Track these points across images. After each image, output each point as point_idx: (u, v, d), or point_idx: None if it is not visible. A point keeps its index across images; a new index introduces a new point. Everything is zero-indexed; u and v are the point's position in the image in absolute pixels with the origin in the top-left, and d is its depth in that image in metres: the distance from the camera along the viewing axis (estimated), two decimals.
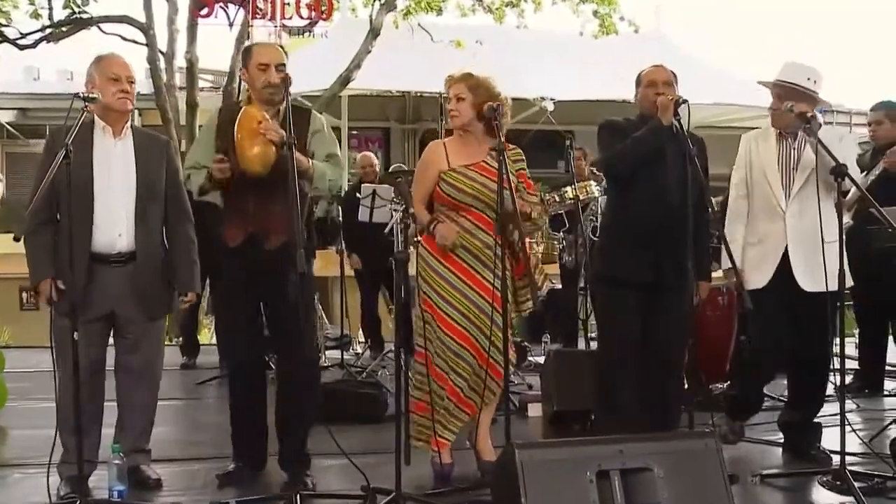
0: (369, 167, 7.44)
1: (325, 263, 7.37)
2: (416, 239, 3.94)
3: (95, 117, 3.59)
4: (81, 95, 3.44)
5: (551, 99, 12.49)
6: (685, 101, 3.67)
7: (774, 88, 4.08)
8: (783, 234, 3.99)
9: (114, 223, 3.61)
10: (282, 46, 4.03)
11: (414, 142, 16.89)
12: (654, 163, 3.77)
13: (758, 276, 4.00)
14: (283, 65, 3.66)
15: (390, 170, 7.00)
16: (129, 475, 3.58)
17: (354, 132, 15.91)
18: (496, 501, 3.01)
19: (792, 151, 4.07)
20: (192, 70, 10.34)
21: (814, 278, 3.88)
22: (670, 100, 3.69)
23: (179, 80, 11.56)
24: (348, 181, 8.69)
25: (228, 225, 3.74)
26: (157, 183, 3.74)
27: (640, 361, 3.85)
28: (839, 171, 3.57)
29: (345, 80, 11.16)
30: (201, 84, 12.26)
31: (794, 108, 3.79)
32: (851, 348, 5.43)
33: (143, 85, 14.74)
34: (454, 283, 3.74)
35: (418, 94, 14.61)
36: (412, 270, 3.89)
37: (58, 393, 3.63)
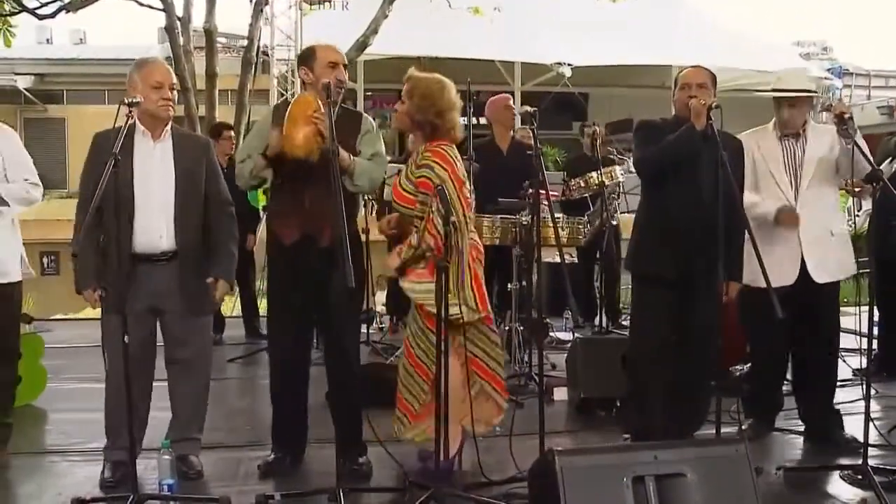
0: None
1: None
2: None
3: (136, 121, 3.64)
4: (126, 101, 3.50)
5: (568, 64, 12.47)
6: (718, 106, 3.69)
7: (785, 100, 4.21)
8: (795, 231, 4.13)
9: (154, 225, 3.71)
10: None
11: None
12: (686, 165, 3.83)
13: (776, 275, 3.93)
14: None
15: None
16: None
17: (370, 93, 15.89)
18: None
19: (796, 149, 4.20)
20: (210, 39, 10.31)
21: (826, 271, 4.14)
22: (703, 105, 3.71)
23: (195, 40, 11.56)
24: None
25: (283, 223, 3.85)
26: (197, 183, 3.83)
27: (670, 358, 3.95)
28: (875, 177, 3.65)
29: (362, 45, 11.13)
30: None
31: (834, 108, 3.86)
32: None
33: (158, 50, 14.81)
34: None
35: (434, 56, 14.54)
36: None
37: (107, 386, 3.78)
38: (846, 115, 3.79)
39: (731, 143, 3.89)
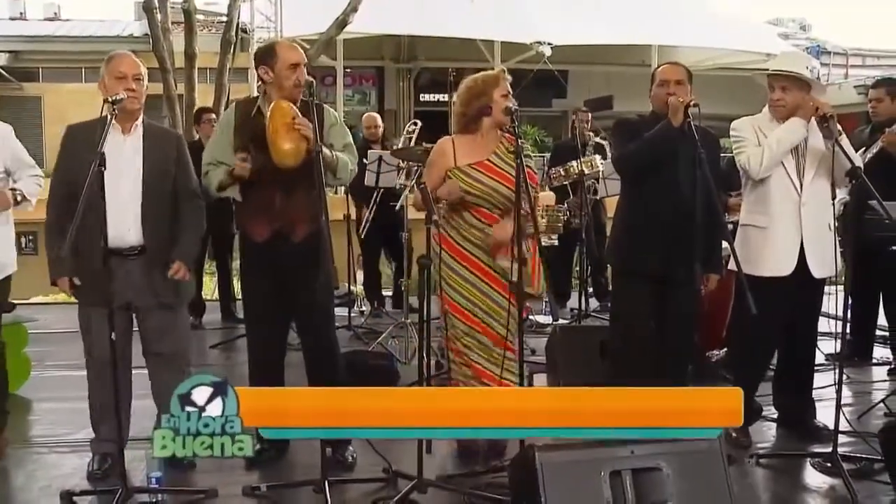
0: (374, 127, 7.49)
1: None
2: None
3: (109, 115, 3.58)
4: (110, 99, 3.51)
5: (548, 43, 12.51)
6: (696, 105, 3.74)
7: (778, 81, 4.13)
8: (798, 221, 4.07)
9: (122, 218, 3.67)
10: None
11: (408, 81, 16.82)
12: (665, 162, 3.89)
13: (773, 264, 4.09)
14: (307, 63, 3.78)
15: (401, 144, 7.04)
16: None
17: (349, 70, 15.85)
18: (515, 499, 3.23)
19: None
20: (189, 20, 10.22)
21: (822, 265, 4.08)
22: (681, 102, 3.75)
23: (172, 15, 11.46)
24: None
25: (254, 220, 3.85)
26: (166, 178, 3.82)
27: (651, 351, 4.04)
28: (855, 174, 3.71)
29: (342, 23, 11.10)
30: None
31: (819, 108, 3.89)
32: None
33: (136, 27, 14.67)
34: (468, 278, 3.91)
35: (415, 35, 14.52)
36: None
37: (89, 381, 3.85)
38: (828, 115, 3.84)
39: (708, 139, 3.95)
